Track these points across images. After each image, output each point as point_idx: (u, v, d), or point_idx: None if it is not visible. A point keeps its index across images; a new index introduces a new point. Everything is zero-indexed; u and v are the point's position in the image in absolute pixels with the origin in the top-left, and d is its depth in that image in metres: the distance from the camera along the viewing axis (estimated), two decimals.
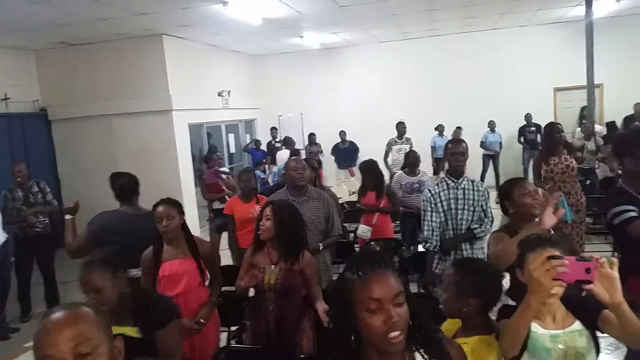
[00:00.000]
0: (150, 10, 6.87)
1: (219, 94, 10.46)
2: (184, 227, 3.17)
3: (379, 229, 5.24)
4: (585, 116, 9.01)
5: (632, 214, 2.58)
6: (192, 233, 3.25)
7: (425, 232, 3.68)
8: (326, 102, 12.36)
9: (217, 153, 7.74)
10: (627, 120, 8.72)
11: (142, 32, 8.21)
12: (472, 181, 3.70)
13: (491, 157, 10.90)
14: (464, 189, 3.64)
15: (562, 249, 1.85)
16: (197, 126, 9.90)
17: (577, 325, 1.88)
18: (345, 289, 1.35)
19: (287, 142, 9.83)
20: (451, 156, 3.66)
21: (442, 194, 3.65)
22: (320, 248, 3.76)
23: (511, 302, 2.30)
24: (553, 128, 5.37)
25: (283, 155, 9.54)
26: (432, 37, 11.44)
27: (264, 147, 11.23)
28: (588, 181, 7.54)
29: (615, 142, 2.95)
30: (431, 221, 3.65)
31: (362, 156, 10.90)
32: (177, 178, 8.77)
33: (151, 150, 8.82)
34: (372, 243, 4.98)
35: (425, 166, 9.44)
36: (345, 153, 11.21)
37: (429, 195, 3.70)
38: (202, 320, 3.10)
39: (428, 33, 11.02)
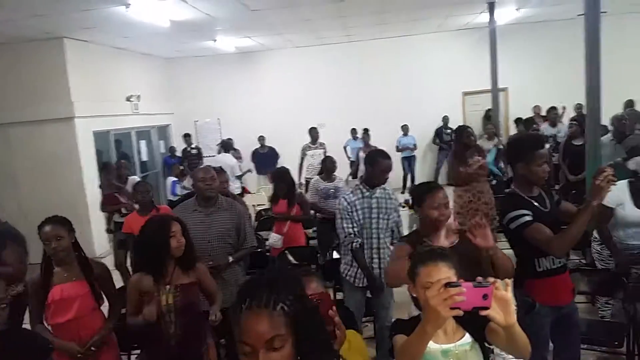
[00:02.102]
0: (46, 11, 6.40)
1: (128, 99, 9.97)
2: (76, 246, 2.94)
3: (290, 237, 5.15)
4: (490, 118, 9.47)
5: (527, 218, 2.65)
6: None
7: (344, 236, 3.62)
8: (244, 107, 12.15)
9: (122, 161, 7.27)
10: (528, 122, 9.17)
11: (40, 34, 7.65)
12: (385, 189, 3.71)
13: (407, 159, 11.21)
14: (377, 198, 3.64)
15: (452, 262, 1.85)
16: (104, 133, 9.35)
17: (467, 338, 1.88)
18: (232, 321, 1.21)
19: (227, 145, 9.63)
20: (380, 173, 3.62)
21: (357, 202, 3.62)
22: (230, 261, 3.61)
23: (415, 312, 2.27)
24: (463, 132, 5.58)
25: (225, 159, 9.30)
26: (347, 43, 11.61)
27: (194, 152, 10.80)
28: (494, 181, 7.88)
29: (506, 147, 3.02)
30: (348, 226, 3.59)
31: (283, 161, 10.87)
32: (82, 190, 8.24)
33: (53, 161, 8.24)
34: (286, 252, 4.88)
35: (341, 170, 9.62)
36: (265, 158, 11.03)
37: (345, 204, 3.64)
38: (92, 348, 2.87)
39: (343, 39, 11.15)
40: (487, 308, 1.46)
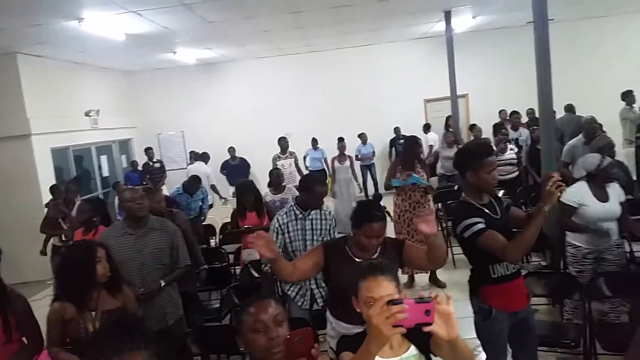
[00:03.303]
0: None
1: (87, 114, 9.75)
2: None
3: None
4: (451, 125, 9.61)
5: (481, 225, 2.67)
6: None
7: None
8: (208, 119, 12.04)
9: (69, 185, 6.92)
10: (496, 127, 9.19)
11: None
12: (322, 209, 3.69)
13: (368, 167, 11.28)
14: (312, 219, 3.64)
15: (392, 275, 1.85)
16: (63, 150, 9.11)
17: (413, 350, 1.88)
18: None
19: (204, 156, 9.56)
20: (315, 200, 3.60)
21: (290, 225, 3.62)
22: (162, 285, 3.45)
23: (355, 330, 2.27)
24: (413, 142, 5.67)
25: (200, 167, 9.28)
26: (308, 53, 11.67)
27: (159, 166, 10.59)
28: (456, 186, 7.97)
29: (456, 157, 3.06)
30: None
31: (254, 172, 10.83)
32: (40, 210, 7.91)
33: (9, 179, 7.97)
34: (248, 265, 4.80)
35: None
36: (237, 169, 10.94)
37: (277, 225, 3.63)
38: None
39: (303, 49, 11.20)
40: (430, 324, 1.45)
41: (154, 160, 10.64)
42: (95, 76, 10.53)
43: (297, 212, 3.64)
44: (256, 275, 4.56)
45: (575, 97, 9.66)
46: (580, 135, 6.25)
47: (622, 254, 4.05)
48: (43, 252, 6.54)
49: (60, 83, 9.05)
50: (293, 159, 8.54)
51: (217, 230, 6.89)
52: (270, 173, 6.16)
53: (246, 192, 5.26)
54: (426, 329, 1.46)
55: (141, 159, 11.19)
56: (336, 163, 8.98)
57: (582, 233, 3.91)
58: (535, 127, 7.31)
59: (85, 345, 2.55)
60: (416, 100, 11.97)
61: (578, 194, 3.84)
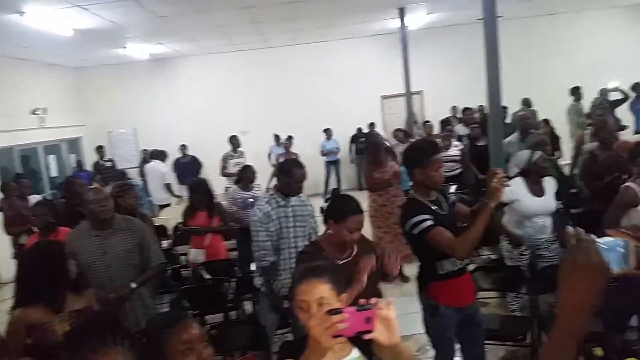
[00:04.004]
0: None
1: (33, 112, 9.36)
2: None
3: (213, 250, 4.97)
4: (407, 121, 9.70)
5: (429, 222, 2.67)
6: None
7: (257, 253, 3.53)
8: (162, 116, 11.76)
9: (22, 180, 6.75)
10: (443, 123, 9.40)
11: None
12: (299, 196, 3.66)
13: (332, 163, 11.28)
14: (293, 206, 3.57)
15: (328, 276, 1.81)
16: (7, 150, 8.72)
17: (356, 353, 1.84)
18: None
19: (159, 154, 9.36)
20: (295, 183, 3.54)
21: (272, 213, 3.52)
22: (134, 287, 3.34)
23: None
24: (375, 138, 5.68)
25: (156, 166, 9.12)
26: (264, 49, 11.54)
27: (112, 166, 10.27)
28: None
29: (404, 154, 3.06)
30: (264, 241, 3.50)
31: (207, 170, 10.62)
32: None
33: None
34: (200, 267, 4.70)
35: (266, 176, 9.52)
36: (186, 168, 10.73)
37: (260, 214, 3.52)
38: None
39: (259, 44, 11.07)
40: (370, 331, 1.42)
41: (105, 159, 10.32)
42: (41, 72, 10.12)
43: (279, 199, 3.55)
44: (207, 277, 4.47)
45: (526, 94, 9.94)
46: (517, 132, 6.36)
47: (558, 249, 4.12)
48: (16, 256, 6.25)
49: (3, 80, 8.66)
50: (244, 158, 8.47)
51: (170, 231, 6.71)
52: (242, 170, 6.04)
53: (197, 191, 5.13)
54: (367, 336, 1.42)
55: (91, 158, 10.85)
56: (281, 160, 9.00)
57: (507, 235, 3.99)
58: (474, 126, 7.43)
59: (54, 349, 2.44)
60: (373, 97, 12.02)
61: (513, 189, 3.87)
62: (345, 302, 1.83)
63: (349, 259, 2.64)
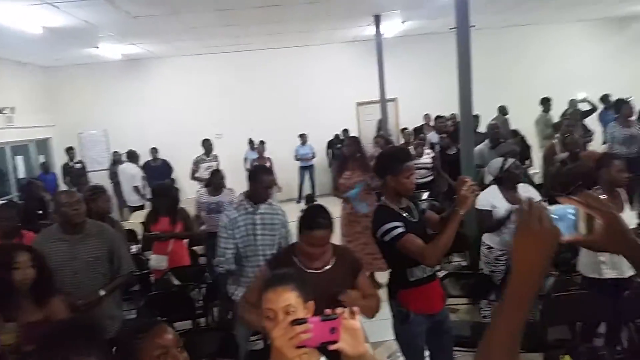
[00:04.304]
0: None
1: (1, 112, 9.09)
2: None
3: (176, 256, 4.87)
4: (381, 128, 9.75)
5: (400, 230, 2.68)
6: None
7: (217, 259, 3.49)
8: (134, 118, 11.54)
9: None
10: (416, 131, 9.47)
11: None
12: (271, 204, 3.61)
13: (306, 168, 11.26)
14: (262, 213, 3.52)
15: (295, 284, 1.79)
16: None
17: None
18: None
19: (132, 156, 9.24)
20: (262, 189, 3.51)
21: (240, 219, 3.48)
22: (102, 294, 3.22)
23: None
24: (351, 145, 5.69)
25: (127, 168, 9.04)
26: (239, 52, 11.45)
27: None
28: None
29: (376, 161, 3.07)
30: (225, 248, 3.45)
31: (179, 174, 10.50)
32: None
33: None
34: (169, 273, 4.61)
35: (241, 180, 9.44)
36: (157, 171, 10.56)
37: (226, 220, 3.48)
38: None
39: (234, 47, 10.97)
40: (335, 342, 1.38)
41: (75, 160, 10.09)
42: (10, 71, 9.83)
43: (248, 205, 3.50)
44: (176, 283, 4.39)
45: (497, 103, 10.11)
46: (487, 141, 6.47)
47: None
48: None
49: None
50: (217, 162, 8.41)
51: (139, 236, 6.58)
52: (213, 174, 5.98)
53: (161, 195, 5.04)
54: (332, 347, 1.39)
55: (61, 159, 10.60)
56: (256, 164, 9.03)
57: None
58: (443, 135, 7.55)
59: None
60: (349, 103, 12.06)
61: (488, 197, 3.95)
62: (311, 310, 1.81)
63: (325, 269, 2.59)
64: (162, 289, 4.40)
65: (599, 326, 3.59)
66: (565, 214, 1.08)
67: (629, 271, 3.39)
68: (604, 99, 9.46)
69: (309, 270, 2.54)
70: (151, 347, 1.64)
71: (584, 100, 9.44)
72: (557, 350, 3.25)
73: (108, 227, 3.56)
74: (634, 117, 7.23)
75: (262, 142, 10.06)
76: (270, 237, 3.53)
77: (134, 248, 6.27)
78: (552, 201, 1.16)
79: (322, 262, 2.58)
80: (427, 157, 6.97)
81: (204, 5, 6.90)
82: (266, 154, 9.70)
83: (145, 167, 10.58)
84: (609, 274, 3.40)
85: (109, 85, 11.51)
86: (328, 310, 1.40)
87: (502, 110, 9.85)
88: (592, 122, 9.07)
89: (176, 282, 4.44)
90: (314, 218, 2.56)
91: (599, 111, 9.25)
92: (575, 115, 8.34)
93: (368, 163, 5.96)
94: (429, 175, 6.97)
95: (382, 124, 9.36)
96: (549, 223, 0.97)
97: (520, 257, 0.97)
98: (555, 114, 9.44)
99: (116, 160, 10.56)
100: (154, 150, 10.58)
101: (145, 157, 10.45)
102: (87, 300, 3.11)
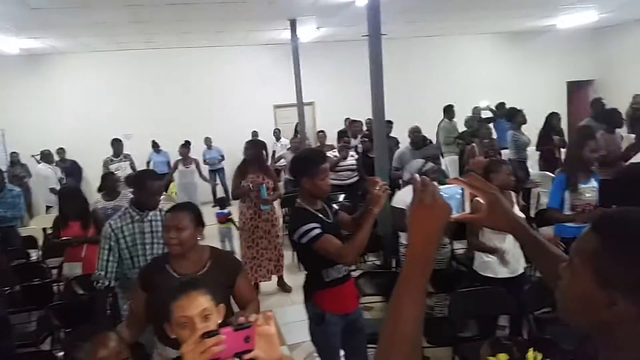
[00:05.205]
0: None
1: None
2: None
3: (90, 262, 4.57)
4: (299, 131, 9.81)
5: (317, 231, 2.71)
6: None
7: (97, 272, 3.28)
8: (36, 117, 10.73)
9: None
10: (340, 134, 9.50)
11: None
12: (160, 211, 3.43)
13: (215, 172, 11.05)
14: (150, 221, 3.37)
15: (206, 287, 1.75)
16: None
17: None
18: None
19: (45, 156, 8.85)
20: (150, 195, 3.35)
21: (125, 228, 3.30)
22: None
23: None
24: (250, 149, 5.71)
25: (41, 170, 8.73)
26: (151, 50, 11.02)
27: None
28: None
29: (292, 164, 3.09)
30: (106, 261, 3.27)
31: (88, 176, 9.93)
32: None
33: None
34: (72, 281, 4.33)
35: None
36: (66, 173, 9.94)
37: (109, 230, 3.28)
38: None
39: (146, 45, 10.55)
40: (250, 351, 1.36)
41: None
42: None
43: (133, 213, 3.34)
44: (81, 292, 4.13)
45: (408, 110, 10.51)
46: (408, 144, 6.85)
47: (447, 253, 4.42)
48: None
49: None
50: (128, 162, 8.06)
51: (40, 242, 6.15)
52: (104, 178, 5.69)
53: (69, 199, 4.76)
54: (246, 356, 1.36)
55: None
56: (180, 166, 8.85)
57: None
58: (364, 139, 7.81)
59: None
60: (266, 105, 12.02)
61: (404, 197, 4.12)
62: (223, 314, 1.77)
63: (199, 274, 2.51)
64: (66, 299, 4.13)
65: (498, 319, 3.84)
66: (454, 194, 1.17)
67: (520, 269, 3.68)
68: (500, 107, 10.16)
69: (177, 276, 2.46)
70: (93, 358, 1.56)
71: (486, 108, 10.08)
72: (466, 343, 3.43)
73: None
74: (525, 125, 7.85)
75: (187, 143, 9.60)
76: (158, 246, 3.35)
77: (34, 255, 5.88)
78: None
79: (196, 266, 2.53)
80: (351, 159, 7.19)
81: (113, 0, 6.57)
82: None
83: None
84: (502, 272, 3.64)
85: (5, 81, 10.64)
86: (242, 319, 1.38)
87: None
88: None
89: (80, 290, 4.19)
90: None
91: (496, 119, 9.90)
92: (472, 121, 8.88)
93: (268, 166, 6.02)
94: (353, 177, 7.16)
95: (302, 128, 9.41)
96: (441, 199, 1.04)
97: (416, 229, 1.03)
98: (459, 121, 10.00)
99: (14, 162, 9.81)
100: (61, 151, 9.97)
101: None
102: None
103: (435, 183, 1.07)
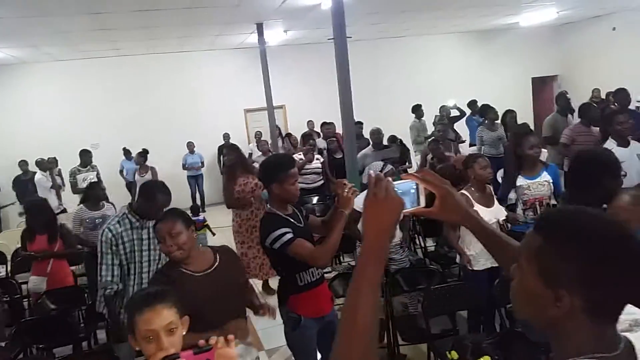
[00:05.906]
0: None
1: None
2: None
3: (56, 277, 4.56)
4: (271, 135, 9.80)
5: (289, 235, 2.71)
6: None
7: (104, 278, 3.26)
8: (1, 129, 10.52)
9: None
10: (305, 137, 9.55)
11: None
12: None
13: (194, 177, 10.97)
14: (149, 228, 3.35)
15: (171, 300, 1.75)
16: None
17: None
18: None
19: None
20: (157, 209, 3.26)
21: (124, 234, 3.29)
22: None
23: None
24: (231, 154, 5.67)
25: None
26: (117, 57, 10.86)
27: None
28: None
29: (261, 169, 3.11)
30: (111, 265, 3.26)
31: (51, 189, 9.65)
32: None
33: None
34: (44, 296, 4.25)
35: (119, 192, 8.99)
36: (29, 186, 9.66)
37: (110, 235, 3.26)
38: None
39: (111, 52, 10.38)
40: None
41: None
42: None
43: (133, 219, 3.32)
44: (52, 307, 4.06)
45: (375, 111, 10.62)
46: (370, 145, 6.93)
47: (406, 253, 4.46)
48: None
49: None
50: (95, 173, 7.97)
51: (9, 257, 6.00)
52: (88, 188, 5.58)
53: (34, 213, 4.68)
54: None
55: None
56: (137, 176, 8.90)
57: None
58: (331, 139, 7.87)
59: None
60: (236, 110, 11.97)
61: (360, 199, 4.12)
62: (186, 326, 1.77)
63: (210, 270, 2.60)
64: (38, 314, 4.06)
65: (473, 314, 3.92)
66: (409, 190, 1.21)
67: None
68: (471, 104, 10.34)
69: (196, 274, 2.54)
70: None
71: (454, 107, 10.25)
72: (440, 340, 3.49)
73: None
74: (498, 121, 8.00)
75: (144, 151, 9.52)
76: (155, 253, 3.39)
77: (2, 271, 5.74)
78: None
79: (208, 262, 2.61)
80: (317, 162, 7.17)
81: (75, 8, 6.43)
82: (148, 164, 9.25)
83: (15, 182, 9.70)
84: (484, 265, 3.73)
85: None
86: (202, 342, 1.39)
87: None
88: (461, 126, 9.87)
89: (52, 305, 4.11)
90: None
91: (466, 116, 10.08)
92: (441, 120, 9.04)
93: (253, 166, 6.01)
94: (319, 180, 7.17)
95: (273, 131, 9.42)
96: (394, 193, 1.08)
97: (370, 221, 1.07)
98: (428, 120, 10.15)
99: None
100: (23, 163, 9.71)
101: (13, 170, 9.57)
102: None
103: (390, 179, 1.10)
